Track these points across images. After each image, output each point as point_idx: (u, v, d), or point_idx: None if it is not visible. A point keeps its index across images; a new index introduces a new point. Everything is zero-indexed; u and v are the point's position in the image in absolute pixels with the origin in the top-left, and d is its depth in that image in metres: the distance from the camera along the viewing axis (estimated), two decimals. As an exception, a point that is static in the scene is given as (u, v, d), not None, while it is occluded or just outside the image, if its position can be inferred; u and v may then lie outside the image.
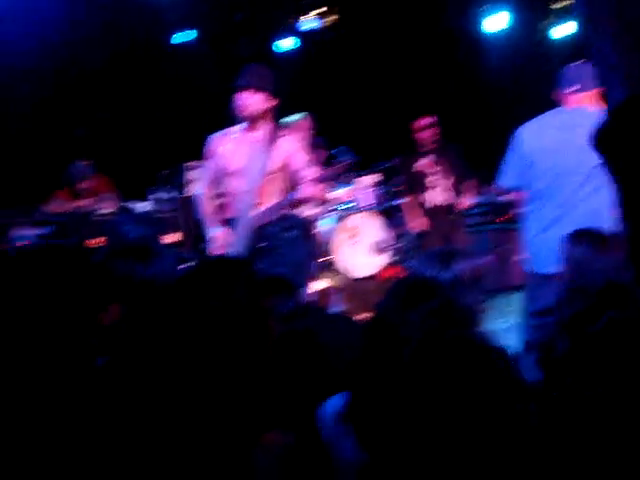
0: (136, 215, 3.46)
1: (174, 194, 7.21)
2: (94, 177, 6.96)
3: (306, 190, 4.38)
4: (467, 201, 7.28)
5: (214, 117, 8.69)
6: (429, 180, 7.21)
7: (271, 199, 4.39)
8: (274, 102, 4.44)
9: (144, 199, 7.24)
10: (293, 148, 4.53)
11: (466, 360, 1.61)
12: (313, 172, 4.63)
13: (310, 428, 2.00)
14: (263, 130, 4.44)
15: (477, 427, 1.53)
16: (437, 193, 7.22)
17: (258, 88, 4.35)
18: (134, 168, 8.01)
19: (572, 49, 9.07)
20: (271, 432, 1.65)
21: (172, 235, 6.82)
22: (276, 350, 2.01)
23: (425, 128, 7.22)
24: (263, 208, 4.35)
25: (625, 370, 1.90)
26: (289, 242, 2.87)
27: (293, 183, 4.58)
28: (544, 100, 9.46)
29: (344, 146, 6.91)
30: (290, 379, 2.08)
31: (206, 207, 4.47)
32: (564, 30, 8.95)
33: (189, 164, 7.28)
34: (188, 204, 7.18)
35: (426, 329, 1.92)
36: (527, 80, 9.38)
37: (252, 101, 4.34)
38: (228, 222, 4.43)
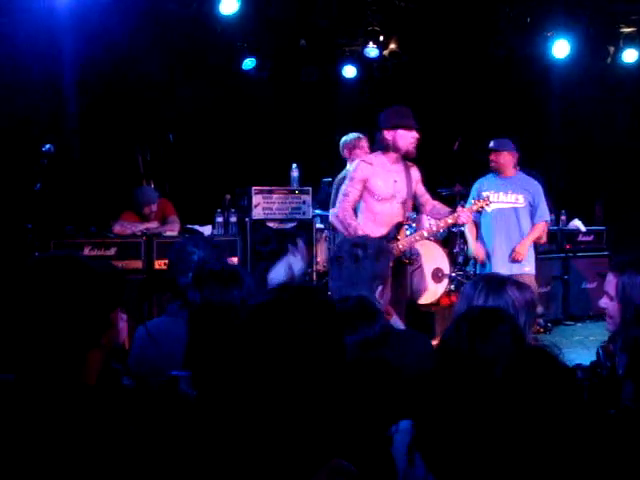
0: (200, 238, 3.46)
1: (236, 218, 7.28)
2: (159, 201, 7.07)
3: (461, 218, 5.12)
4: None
5: (275, 142, 8.90)
6: None
7: (408, 220, 5.36)
8: None
9: (208, 223, 7.34)
10: (419, 176, 5.28)
11: (555, 378, 1.60)
12: (429, 197, 5.39)
13: (383, 456, 1.96)
14: (402, 161, 5.14)
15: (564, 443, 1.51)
16: None
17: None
18: (198, 191, 8.13)
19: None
20: (333, 460, 1.62)
21: (231, 259, 6.90)
22: (353, 377, 2.03)
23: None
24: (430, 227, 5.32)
25: None
26: (354, 258, 2.93)
27: (418, 205, 5.41)
28: (617, 123, 9.28)
29: None
30: (368, 407, 2.05)
31: (357, 225, 4.96)
32: (634, 54, 8.76)
33: (255, 188, 7.35)
34: (250, 228, 7.29)
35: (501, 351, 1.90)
36: (598, 105, 9.24)
37: (417, 141, 5.06)
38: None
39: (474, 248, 6.29)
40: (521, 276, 5.40)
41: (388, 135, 5.04)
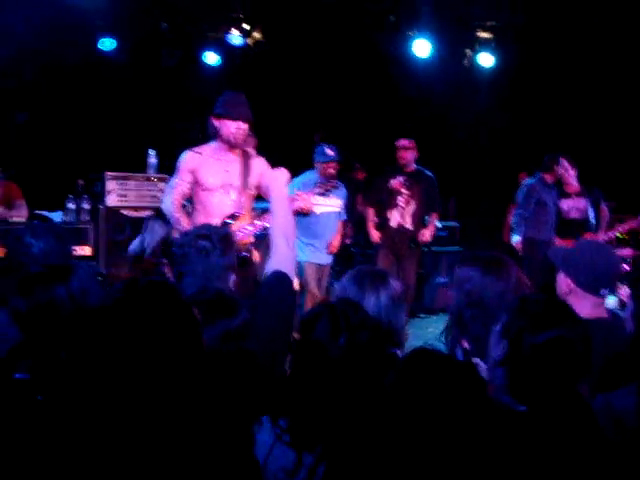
0: (40, 226, 3.21)
1: (89, 205, 6.97)
2: (5, 184, 6.65)
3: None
4: (429, 234, 7.35)
5: (133, 126, 8.61)
6: (399, 199, 7.28)
7: (247, 213, 4.86)
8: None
9: (59, 208, 6.99)
10: (265, 168, 4.96)
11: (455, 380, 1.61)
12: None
13: (244, 448, 1.90)
14: (237, 151, 4.88)
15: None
16: (403, 214, 7.30)
17: (252, 121, 4.81)
18: (50, 175, 7.74)
19: (497, 77, 9.31)
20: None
21: (82, 247, 6.62)
22: (214, 370, 1.96)
23: (408, 149, 7.29)
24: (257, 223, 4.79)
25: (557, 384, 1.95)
26: (203, 254, 2.84)
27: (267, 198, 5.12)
28: (471, 124, 9.61)
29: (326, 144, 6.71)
30: (226, 399, 1.98)
31: (183, 218, 4.75)
32: (489, 59, 9.11)
33: (109, 174, 7.06)
34: (104, 215, 6.99)
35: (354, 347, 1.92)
36: (454, 105, 9.54)
37: (247, 132, 4.82)
38: None
39: None
40: (328, 266, 6.78)
41: (215, 124, 4.81)
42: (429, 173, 7.44)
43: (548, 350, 1.95)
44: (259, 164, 4.96)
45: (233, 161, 4.85)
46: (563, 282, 2.93)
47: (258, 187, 4.95)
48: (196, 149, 4.86)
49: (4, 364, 2.10)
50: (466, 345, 2.66)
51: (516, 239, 7.60)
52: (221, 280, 2.87)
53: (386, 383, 1.66)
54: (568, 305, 2.17)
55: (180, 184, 4.80)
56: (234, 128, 4.73)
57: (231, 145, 4.79)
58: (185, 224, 4.65)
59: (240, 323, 2.14)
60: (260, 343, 2.28)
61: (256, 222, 4.75)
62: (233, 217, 4.76)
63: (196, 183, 4.81)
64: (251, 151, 5.08)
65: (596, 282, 2.86)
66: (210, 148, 4.87)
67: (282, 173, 3.29)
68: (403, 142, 7.35)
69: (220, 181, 4.79)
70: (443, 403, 1.55)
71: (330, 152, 6.49)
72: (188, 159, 4.81)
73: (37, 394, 1.96)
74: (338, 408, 1.87)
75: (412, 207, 7.31)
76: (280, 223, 2.99)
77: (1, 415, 1.83)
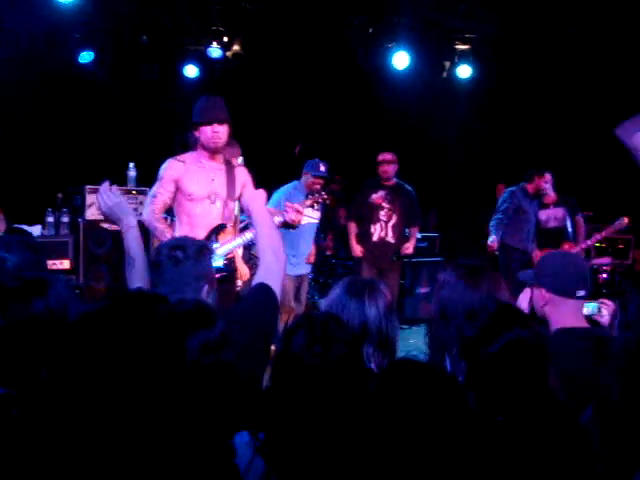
0: (14, 240, 3.16)
1: (68, 218, 6.94)
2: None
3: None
4: (412, 247, 7.47)
5: (112, 139, 8.57)
6: (381, 214, 7.33)
7: (233, 224, 4.83)
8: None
9: (38, 222, 6.95)
10: (247, 178, 4.91)
11: (438, 389, 1.62)
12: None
13: (224, 460, 1.90)
14: (221, 159, 4.78)
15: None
16: (385, 228, 7.35)
17: (229, 121, 4.66)
18: (28, 189, 7.69)
19: (475, 88, 9.38)
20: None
21: (61, 261, 6.58)
22: (194, 383, 1.93)
23: (390, 162, 7.30)
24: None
25: (524, 389, 1.97)
26: (174, 262, 2.80)
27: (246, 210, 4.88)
28: (450, 136, 9.68)
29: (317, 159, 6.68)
30: (206, 411, 1.98)
31: (166, 229, 4.57)
32: (467, 70, 9.17)
33: (89, 187, 7.03)
34: (83, 229, 6.96)
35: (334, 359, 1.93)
36: (433, 117, 9.60)
37: (225, 134, 4.66)
38: None
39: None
40: (306, 275, 6.96)
41: (196, 133, 4.71)
42: (409, 187, 7.49)
43: (505, 357, 1.97)
44: (242, 174, 4.88)
45: (218, 170, 4.74)
46: (538, 295, 2.92)
47: (240, 197, 4.86)
48: (179, 157, 4.72)
49: None
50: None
51: (491, 239, 7.73)
52: (193, 290, 2.83)
53: (368, 393, 1.67)
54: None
55: (162, 193, 4.63)
56: (211, 132, 4.60)
57: (212, 150, 4.67)
58: (169, 235, 4.47)
59: (218, 334, 2.13)
60: (237, 356, 2.26)
61: (246, 234, 4.67)
62: (219, 228, 4.66)
63: (180, 192, 4.65)
64: (235, 161, 5.01)
65: (569, 284, 2.85)
66: (192, 156, 4.74)
67: (260, 193, 3.30)
68: (386, 156, 7.37)
69: (206, 191, 4.66)
70: (423, 414, 1.55)
71: (323, 168, 6.49)
72: (171, 167, 4.66)
73: (13, 409, 1.95)
74: (312, 421, 1.87)
75: (394, 221, 7.36)
76: (265, 236, 2.98)
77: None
